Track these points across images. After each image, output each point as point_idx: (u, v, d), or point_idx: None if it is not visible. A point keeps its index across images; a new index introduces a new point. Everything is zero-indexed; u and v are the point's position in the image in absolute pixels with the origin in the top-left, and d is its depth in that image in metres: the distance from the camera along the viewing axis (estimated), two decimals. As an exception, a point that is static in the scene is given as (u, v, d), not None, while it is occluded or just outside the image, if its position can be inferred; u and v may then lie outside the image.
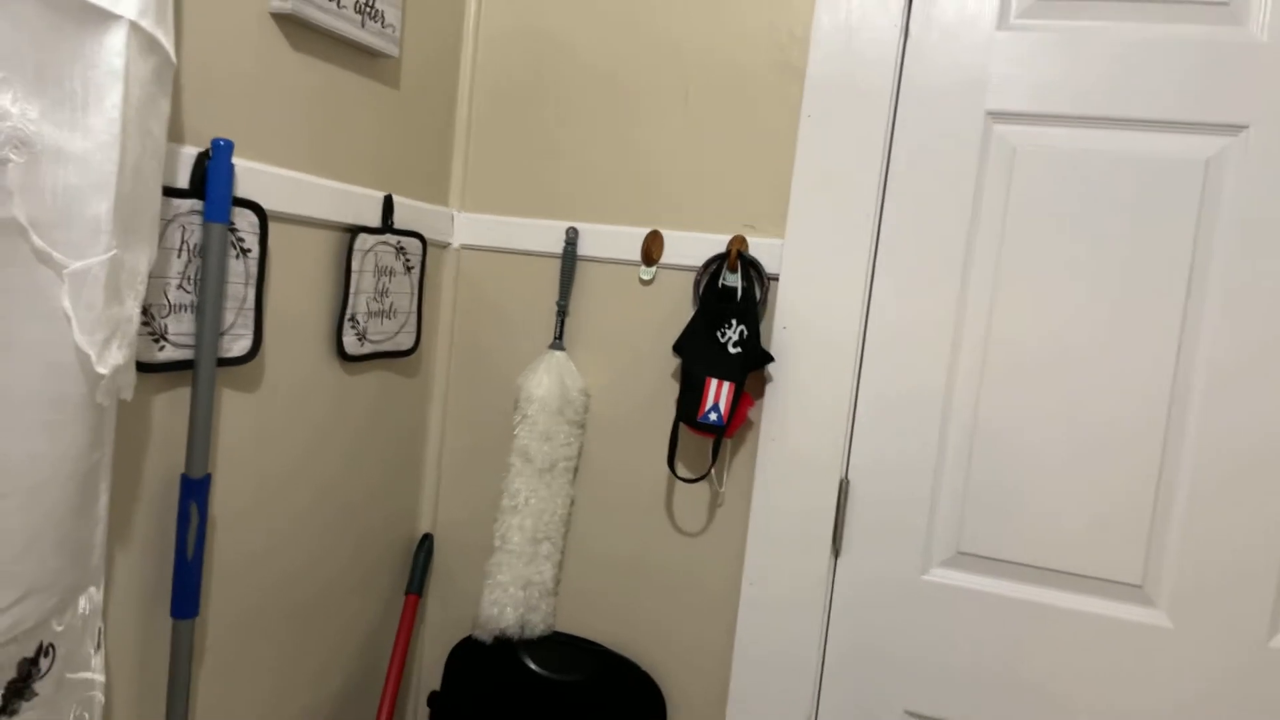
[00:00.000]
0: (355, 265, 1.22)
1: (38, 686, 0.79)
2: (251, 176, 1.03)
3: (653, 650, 1.42)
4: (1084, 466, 1.20)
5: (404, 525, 1.50)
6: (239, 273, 1.02)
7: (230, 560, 1.11)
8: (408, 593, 1.47)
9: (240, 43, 1.01)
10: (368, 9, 1.17)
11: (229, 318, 1.02)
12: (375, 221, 1.27)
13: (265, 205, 1.04)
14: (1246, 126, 1.13)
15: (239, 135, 1.02)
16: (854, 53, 1.26)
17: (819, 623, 1.31)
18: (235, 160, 0.98)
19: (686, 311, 1.35)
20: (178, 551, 0.99)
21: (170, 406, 0.98)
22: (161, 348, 0.94)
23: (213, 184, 0.95)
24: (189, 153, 0.94)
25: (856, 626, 1.31)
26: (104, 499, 0.85)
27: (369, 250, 1.25)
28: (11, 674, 0.76)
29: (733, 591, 1.36)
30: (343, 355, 1.23)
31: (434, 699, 1.49)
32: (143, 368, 0.91)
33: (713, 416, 1.25)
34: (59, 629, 0.80)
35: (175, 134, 0.93)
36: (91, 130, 0.73)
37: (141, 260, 0.83)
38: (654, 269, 1.38)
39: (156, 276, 0.91)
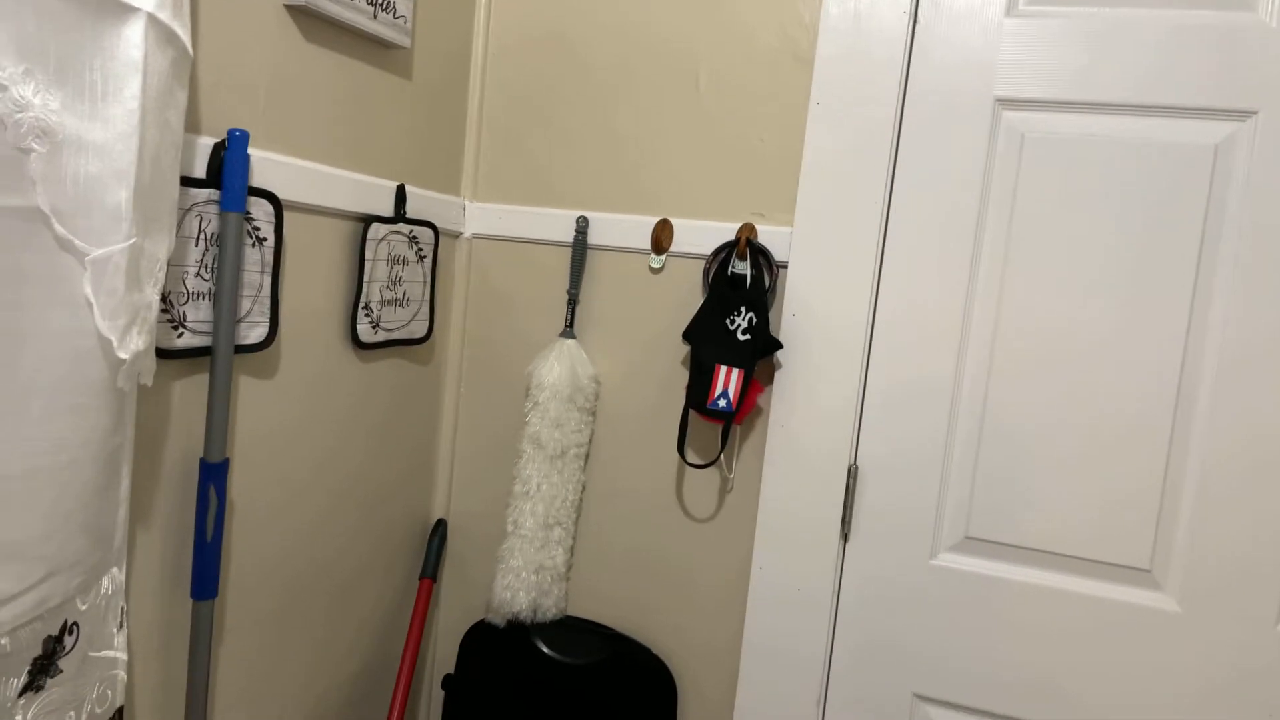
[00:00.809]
0: (369, 254, 1.24)
1: (62, 664, 0.81)
2: (267, 166, 1.04)
3: (663, 634, 1.44)
4: (1093, 451, 1.21)
5: (418, 511, 1.52)
6: (255, 261, 1.04)
7: (248, 543, 1.13)
8: (422, 577, 1.49)
9: (255, 35, 1.03)
10: (380, 1, 1.18)
11: (245, 305, 1.03)
12: (388, 211, 1.28)
13: (280, 195, 1.06)
14: (1256, 112, 1.13)
15: (254, 126, 1.03)
16: (862, 40, 1.26)
17: (828, 607, 1.33)
18: (251, 150, 0.99)
19: (696, 299, 1.36)
20: (197, 534, 1.01)
21: (188, 392, 1.00)
22: (180, 334, 0.96)
23: (229, 174, 0.97)
24: (206, 143, 0.96)
25: (865, 611, 1.32)
26: (125, 482, 0.87)
27: (382, 239, 1.26)
28: (37, 651, 0.78)
29: (742, 577, 1.38)
30: (356, 343, 1.25)
31: (448, 681, 1.51)
32: (162, 354, 0.93)
33: (722, 403, 1.27)
34: (83, 608, 0.83)
35: (192, 124, 0.95)
36: (111, 120, 0.75)
37: (160, 248, 0.85)
38: (664, 257, 1.39)
39: (175, 264, 0.93)
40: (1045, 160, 1.21)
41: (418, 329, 1.39)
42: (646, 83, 1.40)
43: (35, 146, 0.69)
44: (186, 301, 0.96)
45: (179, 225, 0.92)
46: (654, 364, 1.41)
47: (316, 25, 1.12)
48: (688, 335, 1.31)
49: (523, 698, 1.44)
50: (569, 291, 1.43)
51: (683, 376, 1.38)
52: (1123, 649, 1.21)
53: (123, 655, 0.89)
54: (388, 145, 1.29)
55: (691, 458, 1.40)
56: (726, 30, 1.35)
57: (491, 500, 1.53)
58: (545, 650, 1.44)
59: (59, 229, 0.72)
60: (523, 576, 1.40)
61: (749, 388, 1.27)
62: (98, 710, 0.87)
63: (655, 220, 1.39)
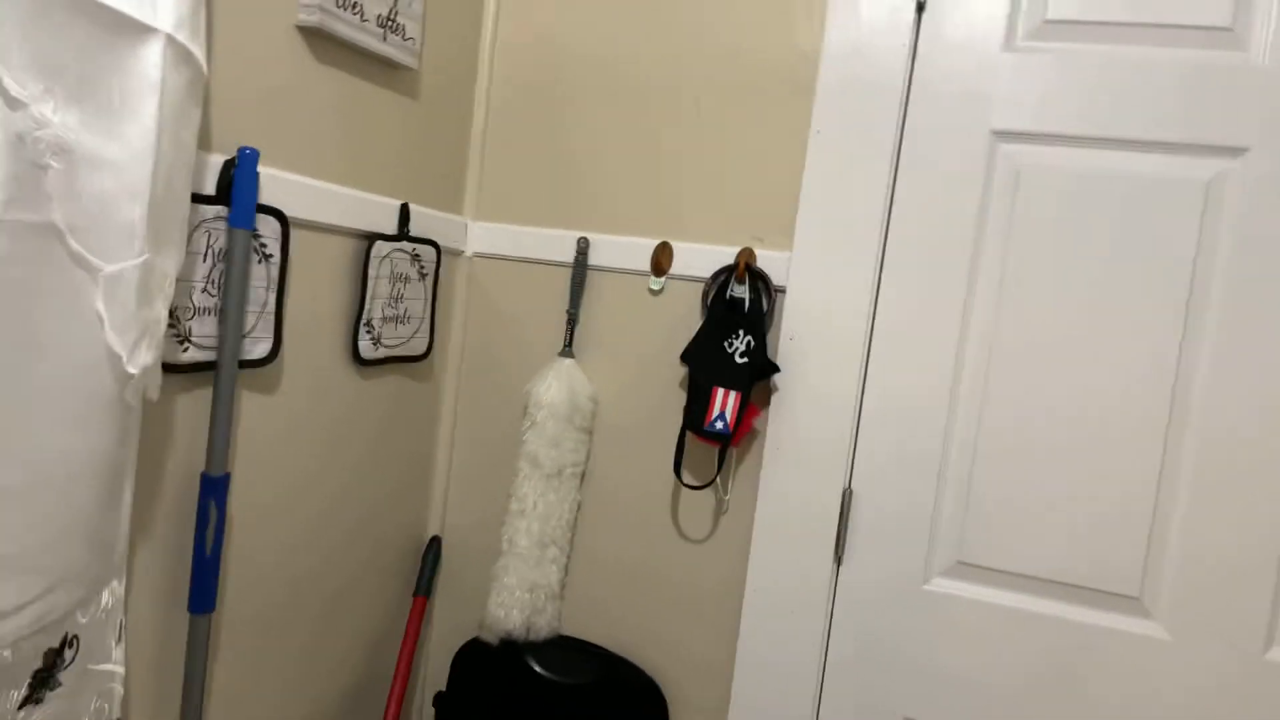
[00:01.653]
0: (372, 271, 1.25)
1: (62, 677, 0.81)
2: (275, 184, 1.05)
3: (656, 654, 1.44)
4: (1083, 481, 1.22)
5: (413, 528, 1.53)
6: (261, 277, 1.05)
7: (246, 558, 1.13)
8: (416, 594, 1.49)
9: (267, 55, 1.04)
10: (390, 23, 1.20)
11: (250, 321, 1.04)
12: (392, 229, 1.29)
13: (287, 212, 1.07)
14: (1247, 149, 1.16)
15: (264, 144, 1.05)
16: (862, 71, 1.29)
17: (820, 630, 1.33)
18: (260, 168, 1.00)
19: (695, 321, 1.38)
20: (196, 548, 1.02)
21: (192, 406, 1.01)
22: (185, 349, 0.97)
23: (238, 191, 0.98)
24: (216, 160, 0.97)
25: (857, 634, 1.33)
26: (128, 495, 0.88)
27: (385, 257, 1.27)
28: (38, 664, 0.78)
29: (736, 598, 1.38)
30: (358, 359, 1.26)
31: (440, 699, 1.51)
32: (167, 368, 0.93)
33: (719, 425, 1.28)
34: (83, 621, 0.83)
35: (203, 142, 0.96)
36: (127, 138, 0.76)
37: (170, 264, 0.86)
38: (663, 279, 1.40)
39: (182, 280, 0.94)
40: (1041, 193, 1.23)
41: (418, 346, 1.40)
42: (649, 107, 1.42)
43: (53, 163, 0.70)
44: (193, 316, 0.97)
45: (188, 241, 0.93)
46: (652, 385, 1.42)
47: (327, 46, 1.13)
48: (686, 357, 1.33)
49: (514, 717, 1.44)
50: (569, 311, 1.44)
51: (680, 398, 1.39)
52: (1113, 676, 1.22)
53: (120, 669, 0.89)
54: (393, 164, 1.31)
55: (688, 479, 1.41)
56: (728, 58, 1.37)
57: (487, 518, 1.53)
58: (538, 669, 1.44)
59: (73, 244, 0.73)
60: (517, 595, 1.40)
61: (746, 410, 1.28)
62: (94, 723, 0.87)
63: (655, 243, 1.40)
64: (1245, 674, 1.17)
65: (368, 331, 1.27)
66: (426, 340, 1.42)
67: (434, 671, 1.59)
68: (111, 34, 0.74)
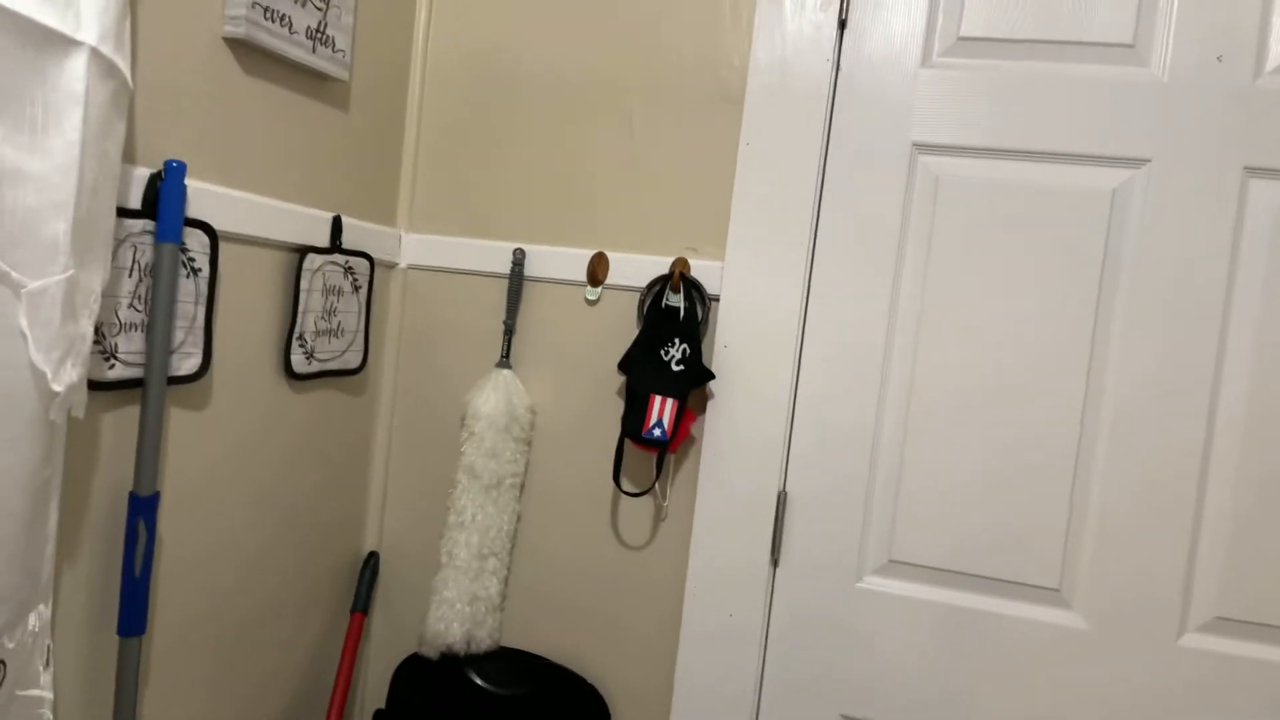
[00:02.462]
0: (304, 285, 1.24)
1: (-14, 704, 0.79)
2: (203, 197, 1.04)
3: (597, 661, 1.45)
4: (1006, 477, 1.27)
5: (350, 543, 1.51)
6: (189, 292, 1.03)
7: (177, 578, 1.11)
8: (353, 610, 1.47)
9: (193, 66, 1.03)
10: (319, 34, 1.19)
11: (179, 336, 1.03)
12: (324, 242, 1.28)
13: (216, 225, 1.06)
14: (1149, 160, 1.22)
15: (191, 157, 1.03)
16: (789, 84, 1.32)
17: (759, 630, 1.36)
18: (187, 181, 0.99)
19: (631, 331, 1.40)
20: (125, 569, 0.99)
21: (119, 424, 0.98)
22: (111, 366, 0.95)
23: (165, 205, 0.96)
24: (142, 174, 0.95)
25: (794, 633, 1.36)
26: (54, 516, 0.85)
27: (317, 270, 1.26)
28: (-39, 691, 0.76)
29: (676, 603, 1.40)
30: (291, 374, 1.25)
31: (379, 716, 1.49)
32: (93, 386, 0.92)
33: (656, 432, 1.30)
34: (10, 646, 0.81)
35: (129, 155, 0.94)
36: (51, 152, 0.75)
37: (96, 279, 0.84)
38: (599, 289, 1.42)
39: (108, 295, 0.92)
40: (958, 203, 1.28)
41: (352, 359, 1.39)
42: (582, 118, 1.43)
43: (-27, 178, 0.69)
44: (119, 332, 0.95)
45: (113, 256, 0.91)
46: (590, 394, 1.44)
47: (255, 58, 1.12)
48: (623, 366, 1.34)
49: (456, 730, 1.44)
50: (505, 322, 1.45)
51: (618, 406, 1.41)
52: (1036, 665, 1.27)
53: (49, 694, 0.87)
54: (324, 176, 1.30)
55: (626, 486, 1.42)
56: (661, 69, 1.39)
57: (425, 532, 1.53)
58: (478, 682, 1.44)
59: (-5, 260, 0.72)
60: (456, 608, 1.40)
61: (683, 417, 1.31)
62: (20, 752, 0.84)
63: (591, 253, 1.42)
64: (1160, 660, 1.23)
65: (300, 345, 1.25)
66: (361, 353, 1.41)
67: (373, 689, 1.57)
68: (34, 47, 0.73)
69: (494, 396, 1.40)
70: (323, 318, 1.29)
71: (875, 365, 1.31)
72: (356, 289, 1.37)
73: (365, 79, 1.37)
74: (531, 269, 1.45)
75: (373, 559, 1.53)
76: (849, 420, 1.33)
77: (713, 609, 1.37)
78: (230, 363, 1.15)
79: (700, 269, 1.36)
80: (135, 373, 0.98)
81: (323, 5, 1.19)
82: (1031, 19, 1.25)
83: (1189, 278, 1.21)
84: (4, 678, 0.80)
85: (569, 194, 1.44)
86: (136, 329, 0.97)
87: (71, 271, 0.78)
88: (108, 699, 1.02)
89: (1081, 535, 1.25)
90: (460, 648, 1.40)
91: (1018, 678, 1.27)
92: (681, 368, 1.30)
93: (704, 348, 1.35)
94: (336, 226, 1.30)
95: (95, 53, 0.77)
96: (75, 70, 0.76)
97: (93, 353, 0.91)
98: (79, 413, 0.84)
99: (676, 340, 1.31)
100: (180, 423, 1.08)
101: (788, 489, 1.35)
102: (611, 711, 1.44)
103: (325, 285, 1.29)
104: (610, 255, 1.41)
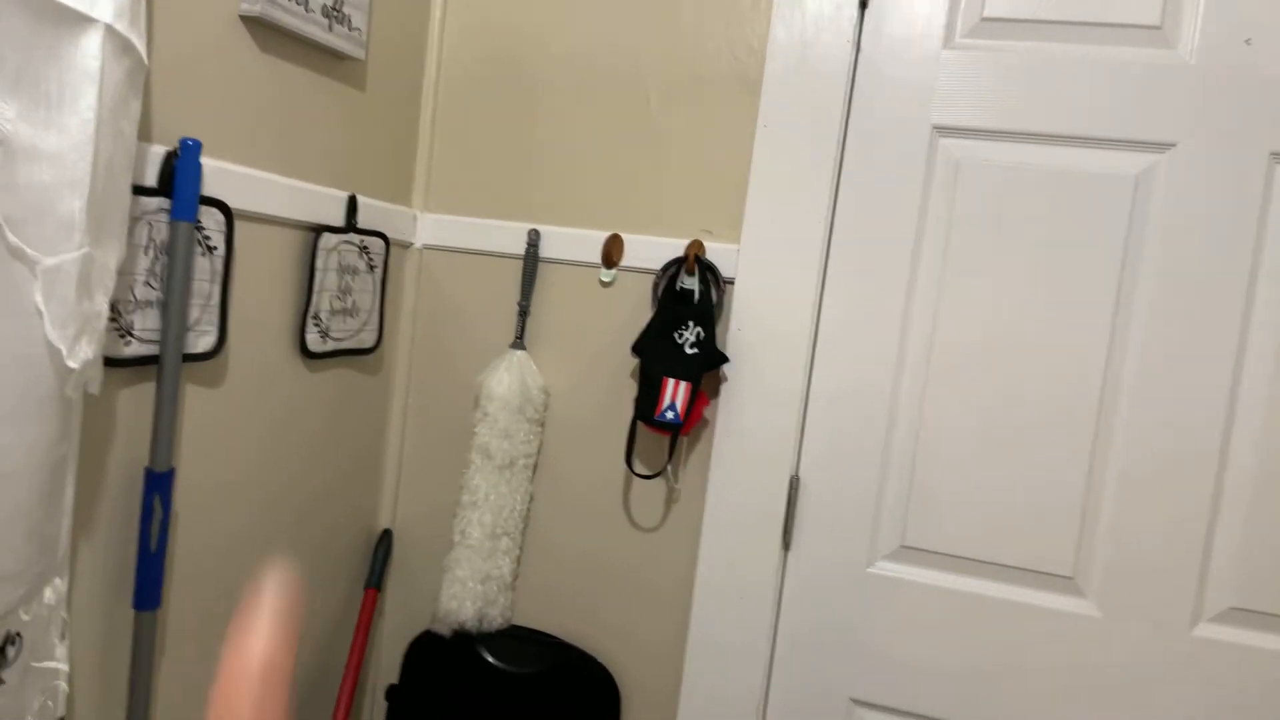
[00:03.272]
0: (319, 264, 1.24)
1: (5, 674, 0.80)
2: (218, 176, 1.04)
3: (608, 642, 1.46)
4: (1019, 465, 1.26)
5: (364, 521, 1.52)
6: (205, 270, 1.04)
7: (192, 553, 1.12)
8: (367, 587, 1.49)
9: (209, 45, 1.03)
10: (335, 12, 1.19)
11: (194, 314, 1.03)
12: (339, 221, 1.28)
13: (232, 204, 1.06)
14: (1174, 144, 1.20)
15: (207, 135, 1.03)
16: (808, 66, 1.31)
17: (769, 614, 1.36)
18: (203, 160, 0.99)
19: (645, 313, 1.39)
20: (141, 544, 1.01)
21: (135, 401, 0.99)
22: (128, 343, 0.95)
23: (181, 183, 0.97)
24: (157, 152, 0.95)
25: (805, 618, 1.36)
26: (70, 491, 0.86)
27: (333, 249, 1.27)
28: (-21, 662, 0.77)
29: (686, 585, 1.41)
30: (305, 352, 1.25)
31: (392, 692, 1.51)
32: (109, 362, 0.92)
33: (669, 415, 1.29)
34: (26, 618, 0.82)
35: (144, 133, 0.94)
36: (66, 130, 0.75)
37: (111, 257, 0.84)
38: (614, 271, 1.42)
39: (124, 273, 0.92)
40: (979, 186, 1.26)
41: (367, 339, 1.39)
42: (599, 100, 1.42)
43: (-12, 155, 0.69)
44: (134, 310, 0.96)
45: (129, 234, 0.91)
46: (603, 376, 1.44)
47: (271, 36, 1.12)
48: (637, 348, 1.34)
49: (467, 708, 1.45)
50: (520, 303, 1.45)
51: (631, 388, 1.41)
52: (1048, 653, 1.26)
53: (64, 666, 0.88)
54: (340, 155, 1.30)
55: (639, 468, 1.42)
56: (678, 51, 1.38)
57: (438, 510, 1.53)
58: (490, 660, 1.45)
59: (11, 238, 0.72)
60: (469, 586, 1.40)
61: (696, 400, 1.30)
62: (38, 722, 0.86)
63: (606, 235, 1.41)
64: (1172, 649, 1.22)
65: (315, 324, 1.26)
66: (375, 333, 1.41)
67: (386, 664, 1.58)
68: (50, 24, 0.73)
69: (508, 377, 1.41)
70: (338, 297, 1.30)
71: (891, 353, 1.31)
72: (371, 268, 1.37)
73: (381, 57, 1.36)
74: (546, 250, 1.45)
75: (387, 536, 1.54)
76: (863, 406, 1.32)
77: (723, 593, 1.37)
78: (245, 341, 1.16)
79: (715, 252, 1.35)
80: (151, 350, 0.98)
81: (339, -17, 1.19)
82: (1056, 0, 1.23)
83: (1212, 264, 1.19)
84: (20, 649, 0.81)
85: (585, 175, 1.44)
86: (152, 306, 0.98)
87: (87, 249, 0.78)
88: (123, 672, 1.03)
89: (1095, 524, 1.24)
90: (473, 626, 1.41)
91: (1029, 665, 1.27)
92: (695, 351, 1.30)
93: (718, 331, 1.34)
94: (352, 206, 1.30)
95: (110, 30, 0.77)
96: (90, 48, 0.76)
97: (109, 330, 0.91)
98: (95, 389, 0.85)
99: (690, 323, 1.30)
100: (196, 399, 1.09)
101: (800, 473, 1.35)
102: (621, 690, 1.44)
103: (340, 264, 1.29)
104: (625, 237, 1.40)
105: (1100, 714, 1.25)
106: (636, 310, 1.41)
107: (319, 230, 1.23)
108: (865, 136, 1.30)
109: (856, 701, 1.34)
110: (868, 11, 1.29)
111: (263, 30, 1.10)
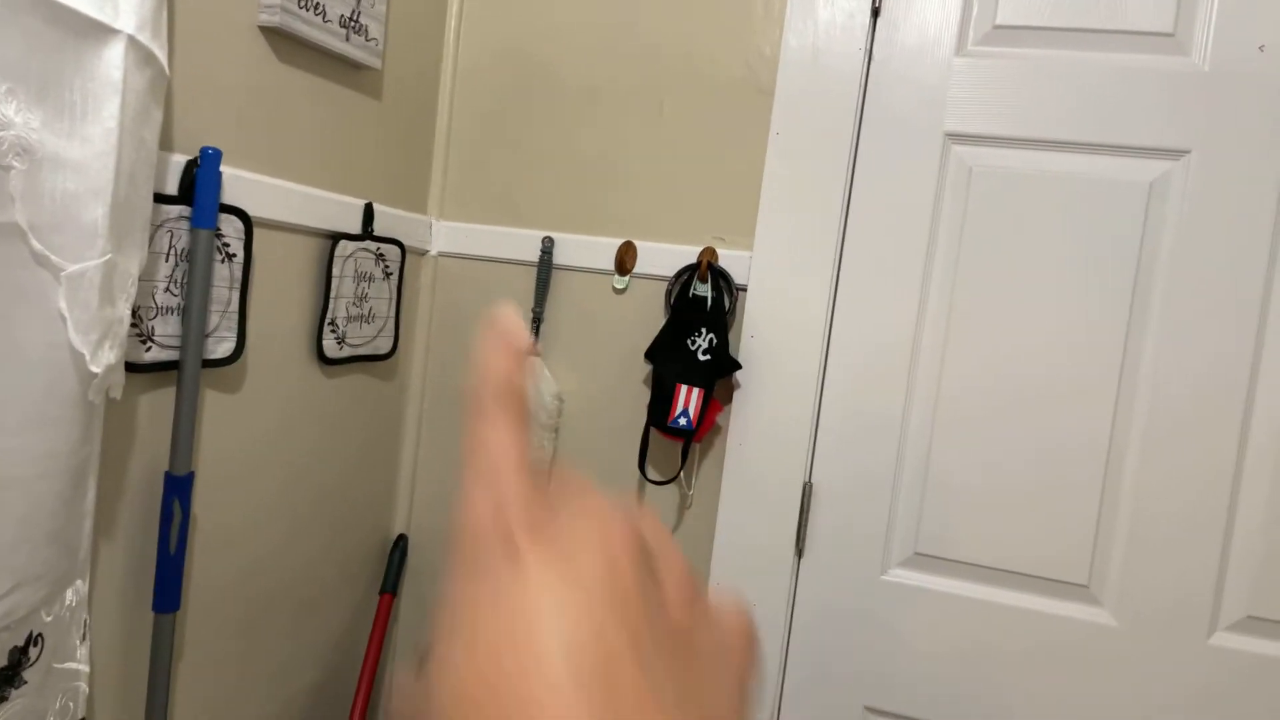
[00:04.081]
0: (336, 271, 1.25)
1: (27, 675, 0.82)
2: (238, 184, 1.06)
3: (622, 648, 1.45)
4: (1035, 472, 1.26)
5: (380, 526, 1.53)
6: (224, 277, 1.05)
7: (210, 557, 1.14)
8: (382, 592, 1.50)
9: (229, 55, 1.05)
10: (352, 23, 1.20)
11: (213, 320, 1.05)
12: (356, 228, 1.30)
13: (250, 212, 1.07)
14: (1188, 151, 1.20)
15: (226, 144, 1.05)
16: (820, 73, 1.31)
17: (782, 621, 1.36)
18: (222, 168, 1.01)
19: (658, 320, 1.40)
20: (160, 547, 1.02)
21: (155, 406, 1.01)
22: (148, 348, 0.97)
23: (201, 191, 0.98)
24: (178, 160, 0.97)
25: (818, 625, 1.36)
26: (91, 494, 0.88)
27: (349, 256, 1.28)
28: (3, 662, 0.79)
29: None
30: (322, 358, 1.27)
31: (407, 697, 1.51)
32: (130, 368, 0.93)
33: (682, 421, 1.30)
34: (48, 620, 0.83)
35: (166, 142, 0.96)
36: (90, 139, 0.77)
37: (133, 264, 0.86)
38: (627, 278, 1.42)
39: (145, 280, 0.94)
40: (992, 193, 1.26)
41: (383, 345, 1.41)
42: (612, 107, 1.43)
43: (15, 164, 0.71)
44: (155, 316, 0.97)
45: (150, 241, 0.93)
46: (616, 383, 1.44)
47: (289, 46, 1.14)
48: (649, 355, 1.35)
49: (481, 712, 1.45)
50: (534, 310, 1.46)
51: (644, 395, 1.41)
52: (1063, 662, 1.26)
53: (85, 667, 0.89)
54: (357, 164, 1.31)
55: (652, 475, 1.43)
56: (691, 59, 1.39)
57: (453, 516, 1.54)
58: (504, 665, 1.45)
59: (36, 244, 0.74)
60: (483, 591, 1.41)
61: (708, 407, 1.31)
62: (59, 722, 0.87)
63: (619, 242, 1.42)
64: (1189, 659, 1.21)
65: (332, 331, 1.27)
66: (391, 339, 1.42)
67: (400, 669, 1.59)
68: (74, 35, 0.75)
69: (522, 383, 1.41)
70: (354, 304, 1.31)
71: (904, 358, 1.31)
72: (388, 275, 1.38)
73: (398, 67, 1.38)
74: (560, 257, 1.46)
75: (402, 541, 1.55)
76: (876, 412, 1.32)
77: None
78: (263, 347, 1.17)
79: (728, 259, 1.36)
80: (171, 355, 1.00)
81: (356, -6, 1.21)
82: (1070, 6, 1.23)
83: (1227, 273, 1.18)
84: (42, 650, 0.82)
85: (598, 182, 1.44)
86: (173, 312, 0.99)
87: (109, 256, 0.80)
88: (142, 673, 1.05)
89: (1112, 531, 1.24)
90: (486, 631, 1.42)
91: (1044, 674, 1.26)
92: (708, 357, 1.30)
93: (731, 338, 1.35)
94: (368, 214, 1.31)
95: (133, 41, 0.79)
96: (113, 58, 0.77)
97: (130, 335, 0.93)
98: (116, 394, 0.86)
99: (703, 330, 1.31)
100: (215, 405, 1.10)
101: (813, 480, 1.35)
102: (635, 698, 1.44)
103: (357, 271, 1.30)
104: (638, 244, 1.41)
105: (1116, 723, 1.24)
106: (649, 317, 1.41)
107: (336, 238, 1.25)
108: (877, 143, 1.31)
109: (870, 709, 1.34)
110: (880, 19, 1.30)
111: (281, 41, 1.12)
